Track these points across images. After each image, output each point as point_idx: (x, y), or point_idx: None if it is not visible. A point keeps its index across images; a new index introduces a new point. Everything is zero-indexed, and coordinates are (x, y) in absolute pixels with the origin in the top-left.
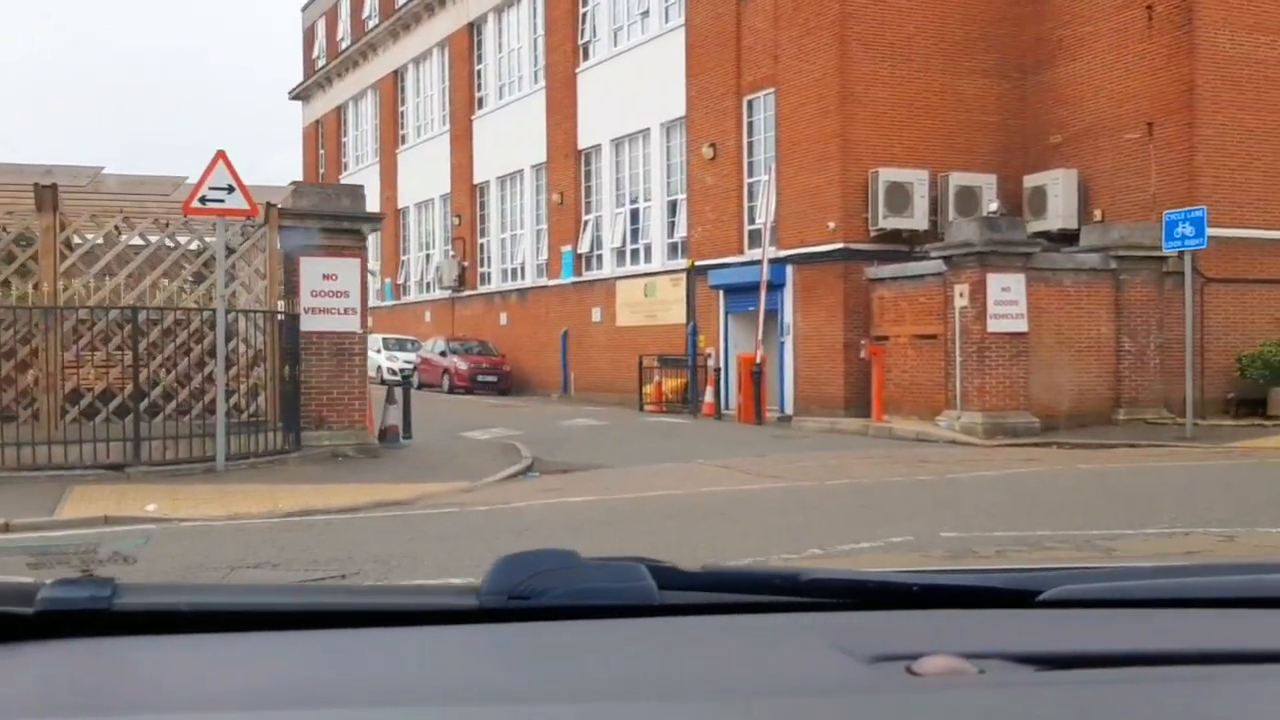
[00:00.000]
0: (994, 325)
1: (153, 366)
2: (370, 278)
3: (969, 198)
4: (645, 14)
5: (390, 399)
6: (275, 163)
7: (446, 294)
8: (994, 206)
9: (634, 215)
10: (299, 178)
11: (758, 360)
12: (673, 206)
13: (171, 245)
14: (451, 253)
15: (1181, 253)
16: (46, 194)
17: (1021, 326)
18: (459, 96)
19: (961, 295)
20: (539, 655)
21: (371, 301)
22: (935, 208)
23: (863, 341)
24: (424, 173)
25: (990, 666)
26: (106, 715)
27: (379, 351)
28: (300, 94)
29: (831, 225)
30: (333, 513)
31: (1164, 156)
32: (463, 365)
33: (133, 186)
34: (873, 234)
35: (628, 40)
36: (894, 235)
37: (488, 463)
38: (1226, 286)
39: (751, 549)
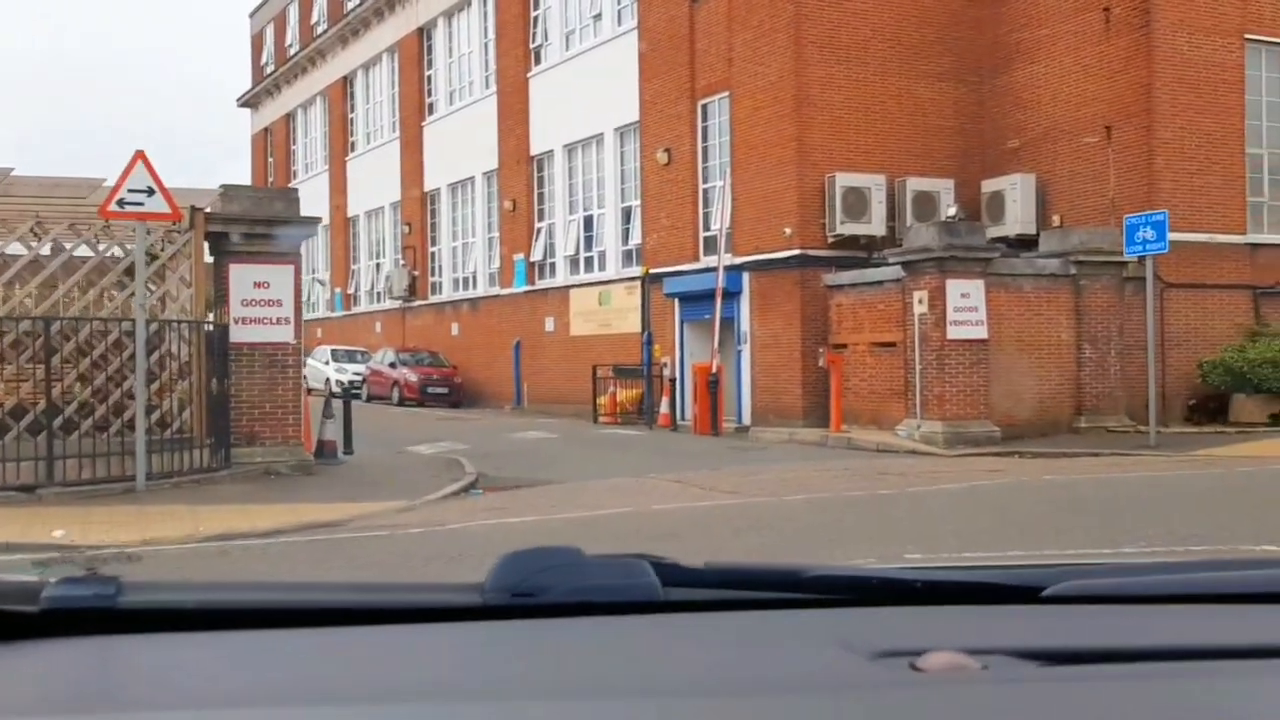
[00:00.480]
0: (954, 332)
1: (68, 380)
2: (320, 288)
3: (927, 203)
4: (597, 17)
5: (327, 413)
6: (226, 172)
7: (397, 304)
8: (952, 211)
9: (588, 222)
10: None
11: (713, 370)
12: (627, 213)
13: (91, 252)
14: (402, 262)
15: (1142, 257)
16: None
17: (981, 333)
18: (409, 103)
19: (920, 302)
20: (543, 652)
21: (321, 312)
22: (893, 213)
23: (820, 350)
24: (374, 180)
25: (994, 662)
26: (112, 713)
27: (328, 363)
28: (249, 101)
29: (788, 231)
30: (255, 536)
31: (1123, 160)
32: (413, 377)
33: (47, 190)
34: (830, 240)
35: (580, 44)
36: (851, 241)
37: (429, 480)
38: (1186, 292)
39: None
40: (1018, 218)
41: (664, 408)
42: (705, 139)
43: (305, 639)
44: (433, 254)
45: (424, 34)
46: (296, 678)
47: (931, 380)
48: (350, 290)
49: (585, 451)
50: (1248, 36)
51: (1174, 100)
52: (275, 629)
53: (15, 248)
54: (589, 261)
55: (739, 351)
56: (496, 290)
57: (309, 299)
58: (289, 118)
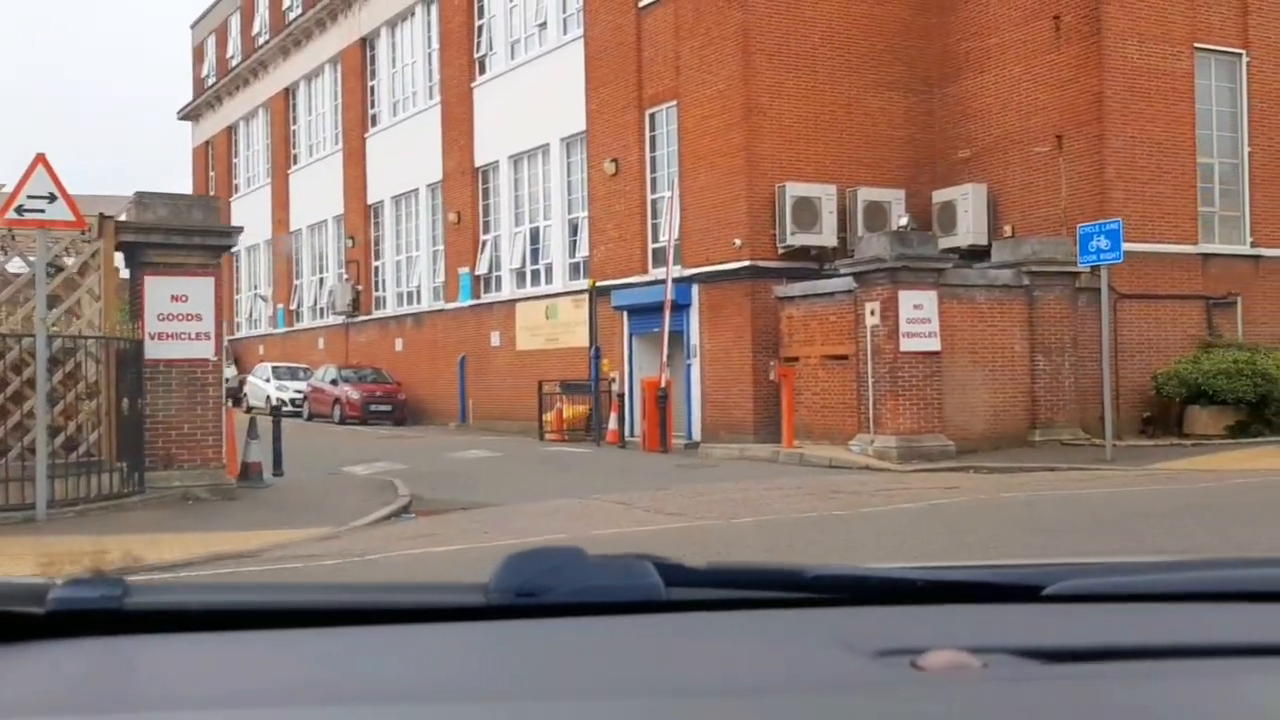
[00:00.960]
0: (906, 344)
1: None
2: (262, 304)
3: (878, 213)
4: (543, 26)
5: (252, 433)
6: (166, 187)
7: (340, 319)
8: (904, 221)
9: (534, 235)
10: None
11: (662, 384)
12: (574, 225)
13: None
14: (345, 276)
15: (1096, 267)
16: None
17: (934, 345)
18: (352, 114)
19: (873, 313)
20: (547, 651)
21: (264, 329)
22: (844, 224)
23: (771, 363)
24: (317, 194)
25: (995, 661)
26: (119, 713)
27: (268, 380)
28: (190, 114)
29: (738, 242)
30: (160, 569)
31: (1074, 170)
32: (355, 394)
33: None
34: (780, 251)
35: (525, 53)
36: (802, 252)
37: (359, 503)
38: (1139, 302)
39: None
40: (969, 228)
41: (612, 424)
42: (653, 149)
43: (310, 639)
44: (376, 268)
45: (367, 44)
46: (302, 678)
47: (884, 393)
48: (293, 306)
49: (528, 471)
50: (1197, 45)
51: (1125, 109)
52: (281, 629)
53: None
54: (535, 275)
55: (689, 365)
56: (441, 305)
57: (251, 315)
58: (230, 130)
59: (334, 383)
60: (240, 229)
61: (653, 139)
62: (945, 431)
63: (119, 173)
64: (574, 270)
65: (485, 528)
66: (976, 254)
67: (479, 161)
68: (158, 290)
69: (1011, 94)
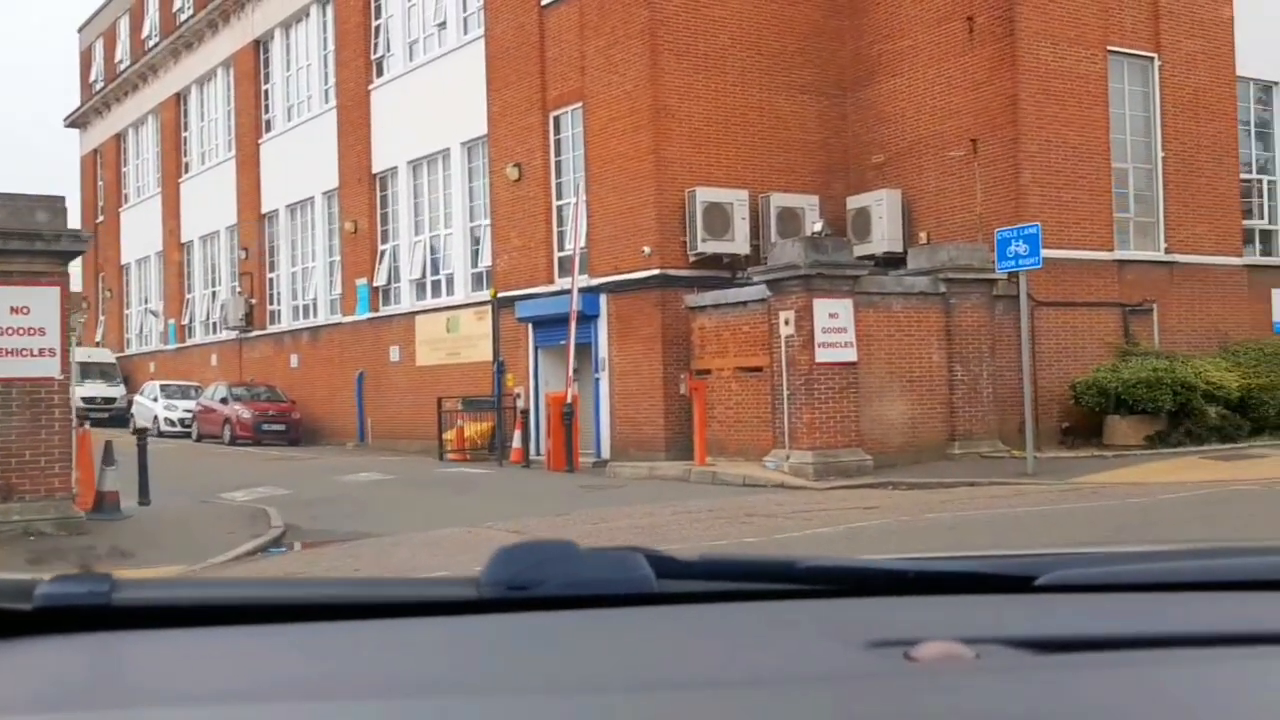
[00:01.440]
0: (822, 355)
1: None
2: (153, 319)
3: (791, 219)
4: (442, 26)
5: (108, 459)
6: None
7: (234, 335)
8: (818, 227)
9: (434, 244)
10: (75, 211)
11: (568, 400)
12: (476, 233)
13: None
14: (238, 289)
15: (1014, 273)
16: None
17: (851, 355)
18: (245, 120)
19: (787, 323)
20: (538, 644)
21: (154, 345)
22: (757, 230)
23: (682, 376)
24: (209, 203)
25: (988, 651)
26: (107, 709)
27: (156, 400)
28: (77, 121)
29: (647, 250)
30: None
31: (989, 174)
32: (246, 414)
33: None
34: (692, 259)
35: (424, 54)
36: (715, 260)
37: (225, 536)
38: (1056, 310)
39: None
40: (884, 235)
41: (516, 442)
42: (559, 153)
43: (300, 634)
44: (271, 280)
45: (260, 46)
46: (292, 672)
47: (800, 406)
48: (185, 321)
49: (420, 496)
50: (1110, 48)
51: (1040, 112)
52: (271, 624)
53: None
54: (436, 285)
55: (597, 379)
56: (338, 318)
57: (141, 331)
58: (119, 138)
59: (224, 401)
60: (90, 235)
61: (558, 142)
62: (863, 445)
63: (2, 182)
64: (477, 281)
65: (359, 562)
66: (892, 261)
67: (377, 168)
68: None
69: (925, 97)
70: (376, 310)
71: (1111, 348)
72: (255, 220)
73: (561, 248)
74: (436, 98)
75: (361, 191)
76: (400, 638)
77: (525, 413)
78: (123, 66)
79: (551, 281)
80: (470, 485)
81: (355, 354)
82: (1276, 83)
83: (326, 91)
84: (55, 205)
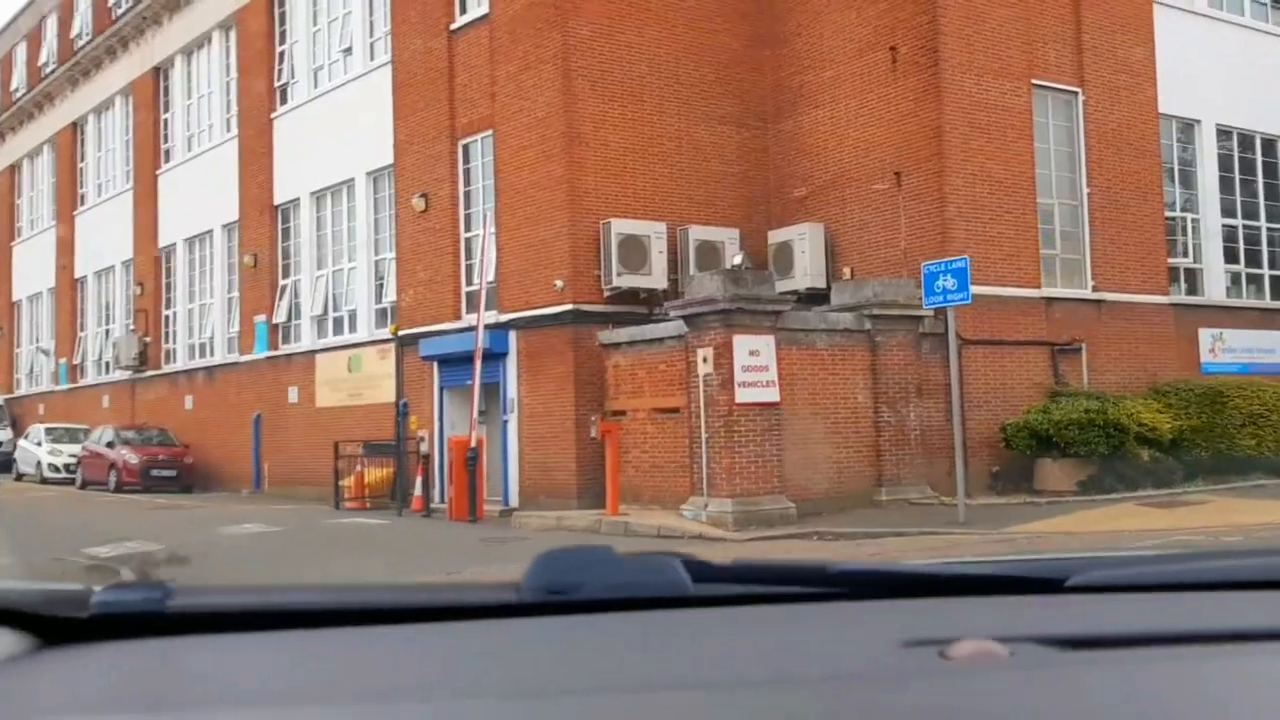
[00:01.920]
0: (742, 395)
1: None
2: (44, 358)
3: (711, 253)
4: (347, 51)
5: None
6: None
7: (126, 375)
8: (738, 260)
9: (337, 278)
10: None
11: (472, 444)
12: (380, 267)
13: None
14: (132, 327)
15: (942, 309)
16: None
17: (773, 396)
18: (143, 149)
19: (705, 360)
20: (579, 647)
21: (45, 385)
22: (675, 265)
23: (593, 418)
24: (105, 237)
25: (1022, 650)
26: (162, 712)
27: (40, 445)
28: None
29: (559, 284)
30: None
31: (914, 209)
32: (133, 459)
33: None
34: (607, 293)
35: (329, 81)
36: (631, 295)
37: None
38: (983, 349)
39: None
40: (807, 270)
41: (417, 489)
42: (468, 182)
43: (348, 638)
44: (167, 317)
45: (160, 74)
46: (341, 675)
47: (719, 450)
48: (76, 361)
49: (302, 551)
50: (1035, 82)
51: (965, 145)
52: (319, 629)
53: None
54: (338, 322)
55: (505, 421)
56: (235, 357)
57: (32, 371)
58: (14, 169)
59: (110, 445)
60: None
61: (467, 172)
62: (786, 492)
63: None
64: (380, 317)
65: None
66: (815, 297)
67: (279, 199)
68: None
69: (848, 129)
70: (275, 349)
71: (1040, 388)
72: (152, 254)
73: (470, 282)
74: (342, 126)
75: (263, 224)
76: (444, 641)
77: (426, 458)
78: (18, 94)
79: (459, 318)
80: (362, 538)
81: (252, 395)
82: (1198, 120)
83: (228, 120)
84: None
